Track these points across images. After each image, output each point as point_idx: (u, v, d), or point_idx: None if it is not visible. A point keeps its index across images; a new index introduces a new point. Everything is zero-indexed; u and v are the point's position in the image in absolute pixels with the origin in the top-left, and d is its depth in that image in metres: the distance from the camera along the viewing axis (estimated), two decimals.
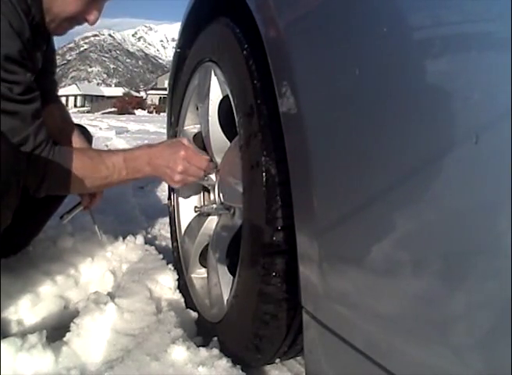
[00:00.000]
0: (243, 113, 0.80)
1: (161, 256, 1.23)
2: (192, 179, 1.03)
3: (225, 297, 0.90)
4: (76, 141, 1.14)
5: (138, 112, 43.19)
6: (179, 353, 0.75)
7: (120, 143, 4.96)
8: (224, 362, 0.74)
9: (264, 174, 0.72)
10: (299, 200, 0.64)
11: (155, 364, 0.74)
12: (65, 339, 0.86)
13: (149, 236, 1.66)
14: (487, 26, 0.38)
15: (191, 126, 1.20)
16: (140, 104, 54.50)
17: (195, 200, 1.24)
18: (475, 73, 0.39)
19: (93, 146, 1.26)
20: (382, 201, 0.48)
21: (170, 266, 1.16)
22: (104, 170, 0.96)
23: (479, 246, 0.39)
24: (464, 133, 0.39)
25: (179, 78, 1.22)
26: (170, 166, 0.99)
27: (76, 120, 1.27)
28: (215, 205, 1.05)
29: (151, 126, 9.80)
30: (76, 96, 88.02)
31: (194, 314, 1.03)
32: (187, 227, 1.20)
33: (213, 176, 1.07)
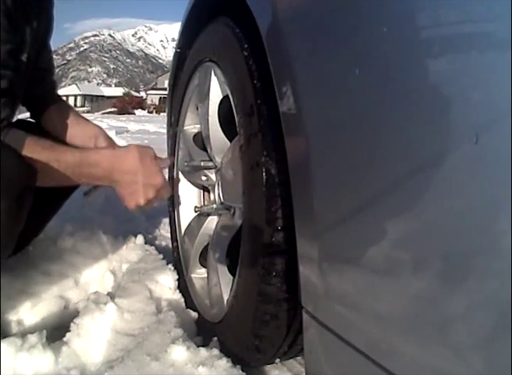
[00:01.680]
0: (243, 113, 0.80)
1: (161, 256, 1.23)
2: (151, 206, 0.93)
3: (225, 297, 0.90)
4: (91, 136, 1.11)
5: (138, 112, 43.19)
6: (179, 353, 0.75)
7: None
8: (224, 362, 0.74)
9: (264, 174, 0.72)
10: (299, 200, 0.64)
11: (155, 364, 0.74)
12: (65, 339, 0.86)
13: (149, 236, 1.66)
14: (487, 26, 0.38)
15: (191, 126, 1.20)
16: (140, 104, 54.51)
17: (195, 200, 1.24)
18: (475, 73, 0.39)
19: None
20: (382, 202, 0.48)
21: (170, 266, 1.16)
22: (53, 167, 0.83)
23: (479, 246, 0.39)
24: (464, 133, 0.39)
25: (179, 78, 1.22)
26: (133, 195, 0.88)
27: None
28: (215, 205, 1.05)
29: (151, 126, 9.80)
30: (76, 96, 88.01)
31: (194, 314, 1.03)
32: (187, 227, 1.20)
33: (213, 176, 1.07)
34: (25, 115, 1.18)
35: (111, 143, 1.14)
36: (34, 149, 0.81)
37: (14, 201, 0.75)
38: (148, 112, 45.46)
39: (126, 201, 0.90)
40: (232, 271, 0.91)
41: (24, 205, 0.78)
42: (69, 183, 0.88)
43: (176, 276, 1.11)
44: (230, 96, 0.87)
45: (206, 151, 1.10)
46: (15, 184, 0.73)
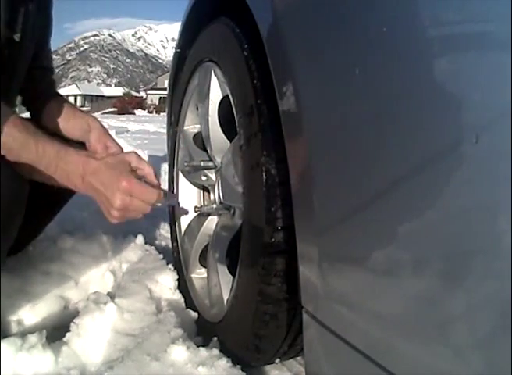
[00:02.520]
0: (243, 113, 0.80)
1: (161, 256, 1.23)
2: (135, 214, 0.82)
3: (225, 297, 0.90)
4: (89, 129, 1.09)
5: (138, 112, 43.19)
6: (179, 353, 0.75)
7: (120, 143, 4.95)
8: (224, 362, 0.74)
9: (264, 174, 0.72)
10: (299, 200, 0.64)
11: (155, 364, 0.74)
12: (65, 339, 0.86)
13: (149, 236, 1.66)
14: (487, 26, 0.38)
15: (191, 126, 1.20)
16: (140, 104, 54.51)
17: (195, 200, 1.24)
18: (475, 73, 0.39)
19: None
20: (382, 201, 0.48)
21: (170, 266, 1.16)
22: (31, 152, 0.76)
23: (479, 246, 0.39)
24: (464, 133, 0.39)
25: (179, 78, 1.22)
26: (107, 196, 0.78)
27: None
28: (215, 205, 1.05)
29: (151, 126, 9.80)
30: (76, 96, 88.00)
31: (194, 314, 1.02)
32: (187, 227, 1.20)
33: (213, 176, 1.07)
34: (25, 115, 1.18)
35: (106, 137, 1.13)
36: (18, 128, 0.75)
37: (4, 216, 0.73)
38: (148, 112, 45.47)
39: (103, 213, 0.83)
40: (232, 271, 0.91)
41: (15, 220, 0.77)
42: (40, 176, 0.79)
43: (176, 276, 1.11)
44: (230, 96, 0.87)
45: (206, 151, 1.09)
46: (5, 198, 0.72)
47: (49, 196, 1.05)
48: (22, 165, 0.77)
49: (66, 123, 1.11)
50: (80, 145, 1.09)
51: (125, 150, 1.06)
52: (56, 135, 1.01)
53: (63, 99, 1.22)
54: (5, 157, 0.75)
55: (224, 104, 0.98)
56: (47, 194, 0.98)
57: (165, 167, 2.50)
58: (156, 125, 9.87)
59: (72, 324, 0.88)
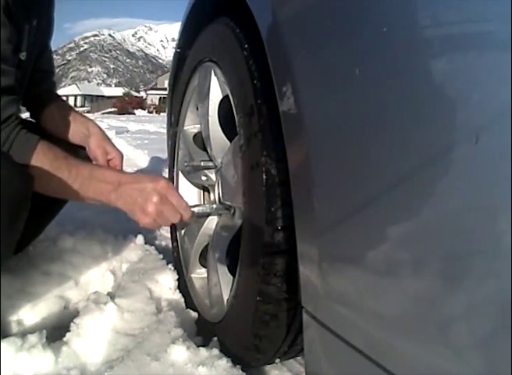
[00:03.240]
0: (243, 113, 0.80)
1: (161, 256, 1.23)
2: (166, 222, 0.86)
3: (225, 297, 0.90)
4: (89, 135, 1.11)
5: (138, 112, 43.17)
6: (179, 353, 0.75)
7: (120, 143, 4.96)
8: (224, 362, 0.74)
9: (264, 174, 0.72)
10: (299, 200, 0.64)
11: (155, 364, 0.74)
12: (65, 339, 0.86)
13: (149, 236, 1.66)
14: (487, 26, 0.38)
15: (191, 126, 1.20)
16: (140, 104, 54.46)
17: (195, 200, 1.24)
18: (475, 73, 0.39)
19: None
20: (382, 202, 0.48)
21: (170, 266, 1.16)
22: (64, 174, 0.81)
23: (479, 246, 0.39)
24: (464, 133, 0.39)
25: (179, 78, 1.22)
26: (139, 202, 0.82)
27: None
28: (208, 206, 1.05)
29: (151, 126, 9.80)
30: (76, 96, 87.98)
31: (194, 314, 1.03)
32: (187, 227, 1.20)
33: (213, 176, 1.07)
34: (25, 115, 1.18)
35: (105, 142, 1.13)
36: (47, 156, 0.80)
37: (10, 212, 0.73)
38: (148, 112, 45.45)
39: (136, 220, 0.85)
40: (232, 271, 0.91)
41: (21, 216, 0.77)
42: (72, 196, 0.84)
43: (176, 276, 1.11)
44: (230, 96, 0.87)
45: (206, 151, 1.09)
46: (10, 194, 0.72)
47: (49, 196, 1.05)
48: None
49: (66, 128, 1.12)
50: (80, 148, 1.12)
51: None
52: (56, 138, 1.01)
53: (63, 102, 1.22)
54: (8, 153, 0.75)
55: (224, 104, 0.98)
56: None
57: (165, 167, 2.50)
58: (156, 125, 9.86)
59: (72, 324, 0.88)
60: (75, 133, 1.12)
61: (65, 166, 0.81)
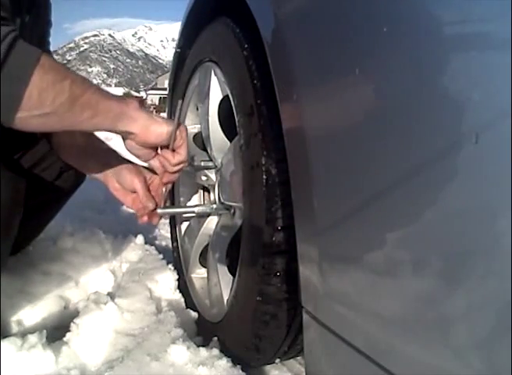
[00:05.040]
0: (243, 113, 0.80)
1: (161, 256, 1.23)
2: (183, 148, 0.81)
3: (225, 297, 0.90)
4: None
5: None
6: (179, 353, 0.75)
7: (120, 143, 4.96)
8: (224, 362, 0.74)
9: (264, 174, 0.72)
10: (299, 200, 0.64)
11: (155, 364, 0.74)
12: (65, 339, 0.86)
13: (149, 236, 1.66)
14: (487, 26, 0.38)
15: (191, 126, 1.20)
16: (140, 104, 54.36)
17: (195, 200, 1.24)
18: (475, 73, 0.39)
19: None
20: (382, 201, 0.48)
21: (170, 266, 1.16)
22: (72, 84, 0.66)
23: (479, 246, 0.39)
24: (464, 133, 0.39)
25: (179, 78, 1.22)
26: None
27: None
28: (208, 206, 1.05)
29: None
30: None
31: (194, 314, 1.03)
32: (187, 227, 1.20)
33: (213, 176, 1.07)
34: None
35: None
36: (77, 80, 0.67)
37: (2, 217, 0.73)
38: None
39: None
40: (232, 271, 0.91)
41: (13, 222, 0.77)
42: (95, 125, 0.73)
43: (176, 276, 1.11)
44: (230, 96, 0.87)
45: (206, 151, 1.09)
46: (2, 202, 0.71)
47: (49, 196, 1.05)
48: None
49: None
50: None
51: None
52: (55, 139, 1.01)
53: None
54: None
55: (224, 104, 0.98)
56: (46, 194, 0.98)
57: None
58: None
59: (72, 324, 0.88)
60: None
61: (72, 77, 0.67)
